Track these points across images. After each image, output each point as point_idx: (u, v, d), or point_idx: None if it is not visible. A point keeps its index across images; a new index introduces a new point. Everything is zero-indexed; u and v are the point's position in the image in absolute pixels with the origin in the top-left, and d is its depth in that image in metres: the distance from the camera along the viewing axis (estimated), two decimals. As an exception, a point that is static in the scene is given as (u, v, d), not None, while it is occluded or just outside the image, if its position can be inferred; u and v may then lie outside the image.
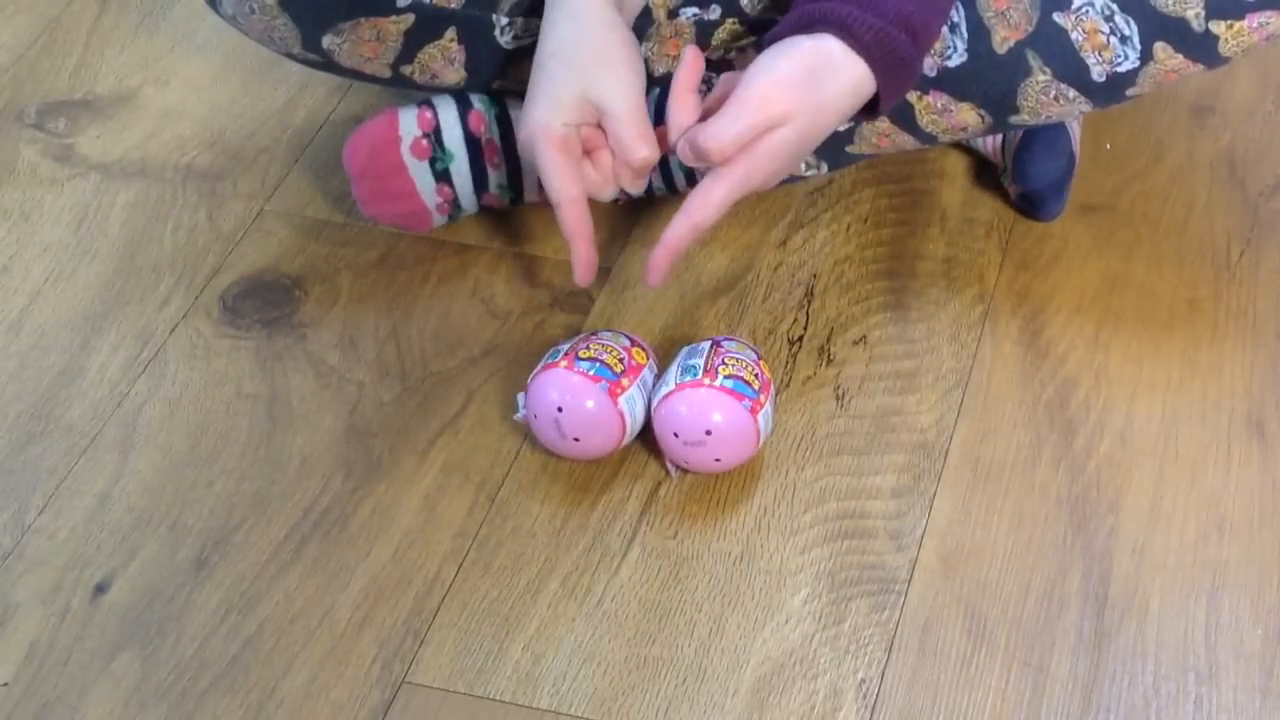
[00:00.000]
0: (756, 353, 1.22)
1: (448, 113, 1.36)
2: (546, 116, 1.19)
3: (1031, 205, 1.40)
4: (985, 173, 1.44)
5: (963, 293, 1.35)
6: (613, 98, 1.18)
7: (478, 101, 1.36)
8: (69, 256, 1.40)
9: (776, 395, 1.24)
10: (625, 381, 1.18)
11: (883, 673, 1.10)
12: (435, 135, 1.35)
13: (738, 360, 1.19)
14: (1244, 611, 1.13)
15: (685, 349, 1.23)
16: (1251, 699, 1.09)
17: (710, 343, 1.22)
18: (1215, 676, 1.10)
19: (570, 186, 1.19)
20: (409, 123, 1.35)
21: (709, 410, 1.18)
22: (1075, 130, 1.40)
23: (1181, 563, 1.16)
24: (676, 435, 1.19)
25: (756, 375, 1.19)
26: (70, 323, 1.34)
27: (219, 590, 1.15)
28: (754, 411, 1.18)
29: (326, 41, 1.29)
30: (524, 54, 1.34)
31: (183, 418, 1.27)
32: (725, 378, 1.18)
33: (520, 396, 1.22)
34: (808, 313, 1.33)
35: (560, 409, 1.18)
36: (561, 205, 1.20)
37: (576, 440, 1.19)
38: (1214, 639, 1.12)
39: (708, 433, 1.18)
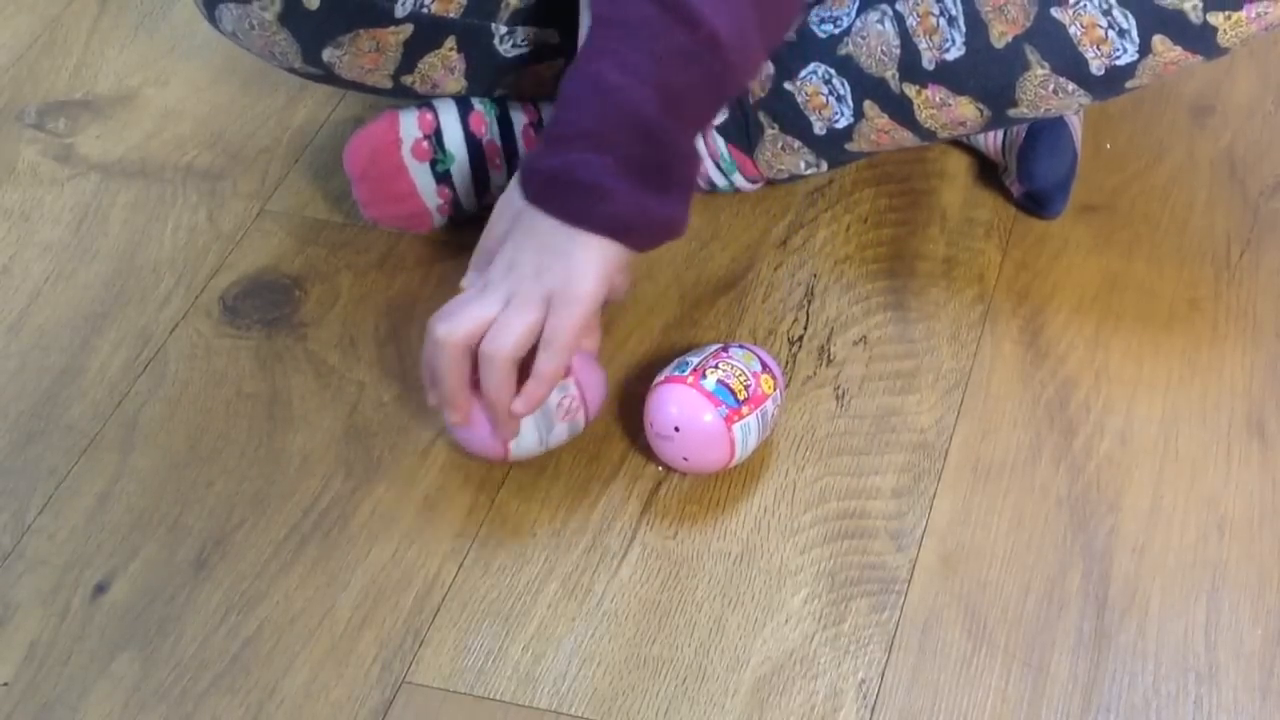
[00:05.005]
0: (766, 365, 1.21)
1: (448, 114, 1.36)
2: None
3: (1037, 204, 1.40)
4: (985, 172, 1.44)
5: (963, 293, 1.35)
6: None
7: (478, 103, 1.36)
8: (69, 256, 1.40)
9: (776, 409, 1.22)
10: None
11: (883, 673, 1.10)
12: (436, 137, 1.35)
13: (734, 367, 1.19)
14: (1244, 611, 1.13)
15: (698, 348, 1.23)
16: (1251, 699, 1.09)
17: (719, 345, 1.22)
18: (1215, 676, 1.10)
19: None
20: (409, 125, 1.35)
21: (679, 407, 1.18)
22: (1077, 127, 1.40)
23: (1181, 563, 1.16)
24: (651, 425, 1.19)
25: (747, 386, 1.19)
26: (70, 323, 1.34)
27: (219, 590, 1.15)
28: (729, 420, 1.18)
29: (327, 55, 1.29)
30: (524, 62, 1.34)
31: (183, 418, 1.27)
32: (708, 380, 1.18)
33: None
34: (808, 313, 1.33)
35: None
36: None
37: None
38: (1214, 639, 1.12)
39: (676, 429, 1.18)
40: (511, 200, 1.18)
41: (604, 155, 1.12)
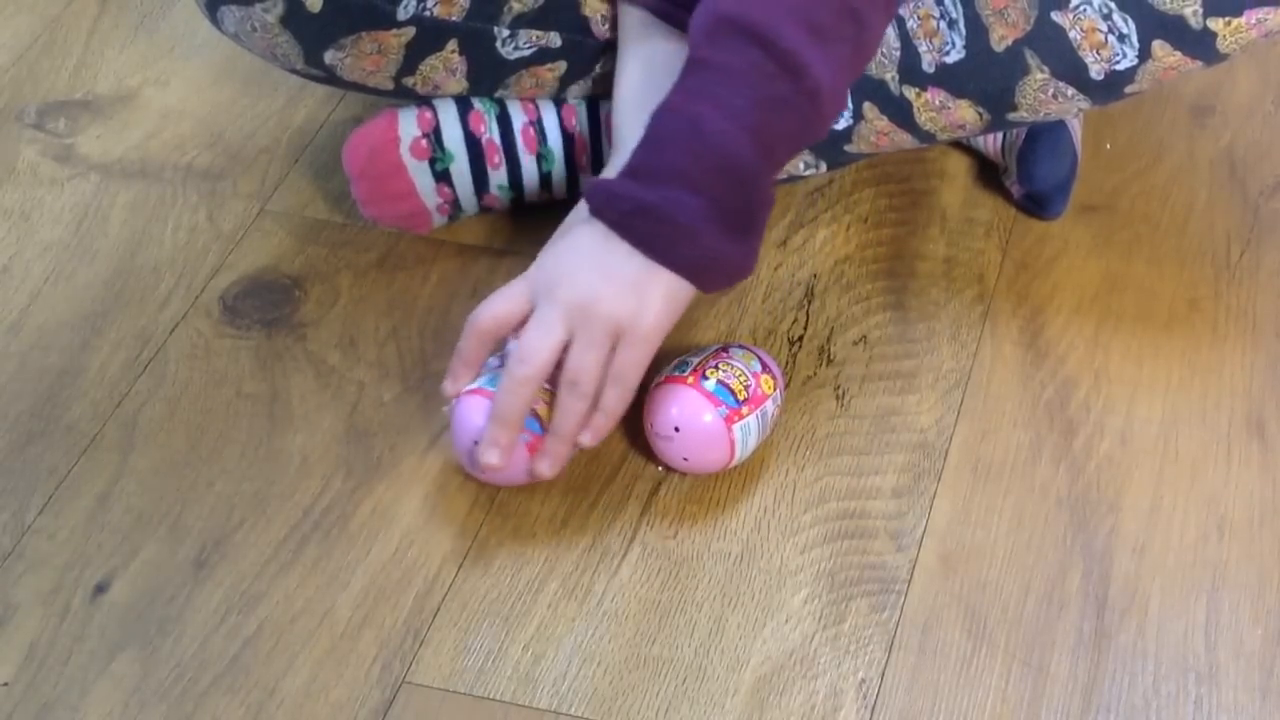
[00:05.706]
0: (766, 365, 1.22)
1: (447, 113, 1.36)
2: None
3: (1037, 205, 1.40)
4: (985, 173, 1.44)
5: (963, 293, 1.35)
6: None
7: (478, 102, 1.36)
8: (69, 256, 1.40)
9: (776, 409, 1.22)
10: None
11: (883, 673, 1.10)
12: (435, 136, 1.35)
13: (733, 367, 1.19)
14: (1244, 611, 1.13)
15: (698, 348, 1.23)
16: (1251, 699, 1.09)
17: (719, 345, 1.22)
18: (1215, 676, 1.10)
19: None
20: (408, 123, 1.35)
21: (680, 407, 1.18)
22: (1077, 129, 1.40)
23: (1181, 563, 1.16)
24: (651, 425, 1.20)
25: (747, 386, 1.19)
26: (70, 323, 1.34)
27: (219, 590, 1.15)
28: (729, 420, 1.18)
29: (329, 57, 1.29)
30: (526, 64, 1.34)
31: (183, 418, 1.27)
32: (708, 380, 1.18)
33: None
34: (808, 313, 1.33)
35: None
36: None
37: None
38: (1214, 639, 1.12)
39: (676, 429, 1.18)
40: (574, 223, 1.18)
41: (697, 196, 1.12)
